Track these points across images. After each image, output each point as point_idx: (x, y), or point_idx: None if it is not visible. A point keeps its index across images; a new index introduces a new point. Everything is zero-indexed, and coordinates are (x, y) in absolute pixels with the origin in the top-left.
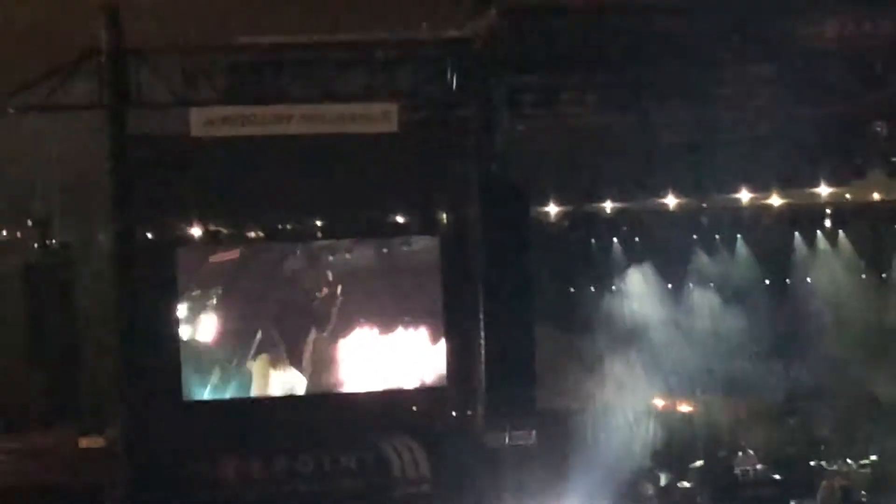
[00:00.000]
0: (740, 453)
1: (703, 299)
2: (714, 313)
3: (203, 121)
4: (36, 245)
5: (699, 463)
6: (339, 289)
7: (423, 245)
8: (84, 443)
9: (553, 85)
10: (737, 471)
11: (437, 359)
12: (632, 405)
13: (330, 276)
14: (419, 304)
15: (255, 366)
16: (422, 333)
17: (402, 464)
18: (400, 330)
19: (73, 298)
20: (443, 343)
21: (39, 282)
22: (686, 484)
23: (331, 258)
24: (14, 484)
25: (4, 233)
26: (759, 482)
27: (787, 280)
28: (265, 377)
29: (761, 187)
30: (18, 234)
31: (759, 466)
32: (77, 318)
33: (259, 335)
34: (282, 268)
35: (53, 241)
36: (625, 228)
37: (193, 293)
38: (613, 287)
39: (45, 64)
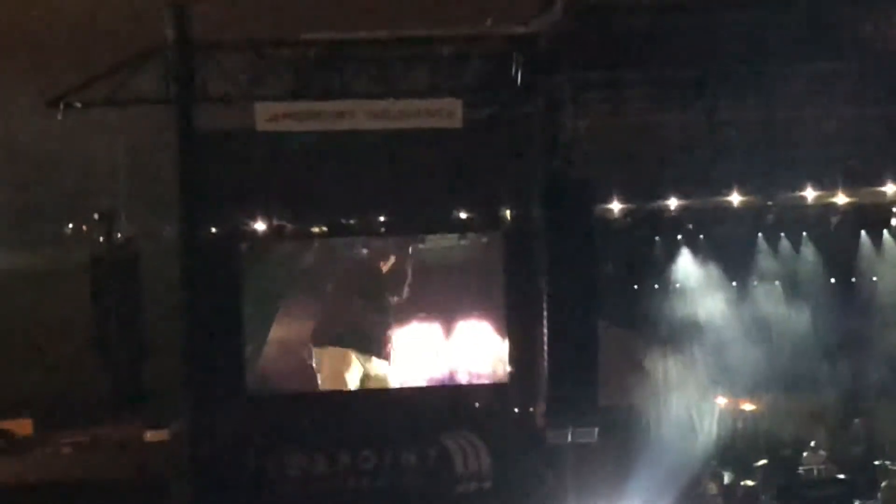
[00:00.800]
0: (805, 452)
1: (767, 297)
2: (778, 311)
3: (268, 116)
4: (101, 238)
5: (763, 461)
6: (406, 284)
7: (488, 241)
8: (149, 436)
9: (617, 81)
10: (800, 470)
11: (501, 355)
12: (695, 403)
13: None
14: (483, 301)
15: (325, 359)
16: (485, 329)
17: (465, 460)
18: (463, 325)
19: (139, 292)
20: (506, 339)
21: (105, 275)
22: (749, 483)
23: (397, 254)
24: (80, 477)
25: (71, 226)
26: (823, 481)
27: (853, 279)
28: (335, 371)
29: (827, 185)
30: (84, 228)
31: (823, 465)
32: (142, 311)
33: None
34: (351, 263)
35: (119, 234)
36: (689, 226)
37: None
38: (677, 284)
39: (112, 58)
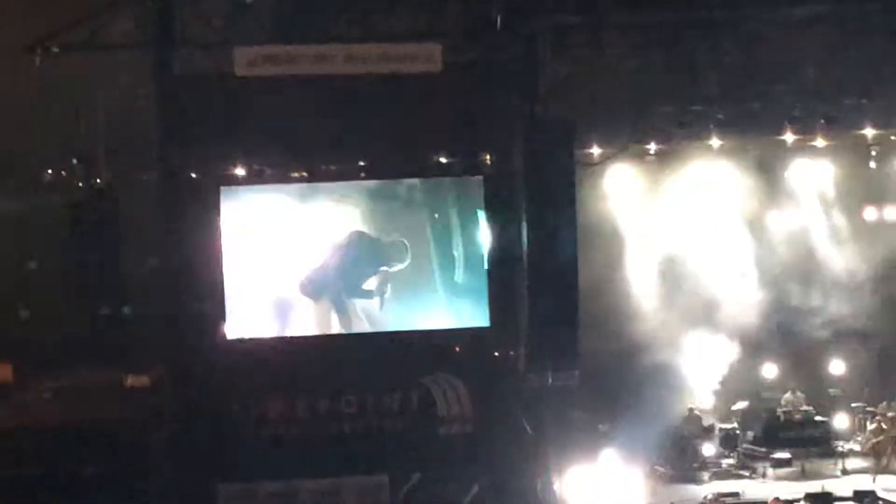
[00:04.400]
0: (785, 394)
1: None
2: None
3: (247, 60)
4: (80, 184)
5: (743, 404)
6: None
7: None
8: (129, 381)
9: (597, 25)
10: (779, 412)
11: (481, 300)
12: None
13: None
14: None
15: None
16: (466, 274)
17: (446, 403)
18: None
19: (118, 238)
20: (486, 283)
21: (84, 221)
22: (728, 425)
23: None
24: (61, 422)
25: (49, 172)
26: (802, 423)
27: None
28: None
29: (807, 129)
30: (63, 174)
31: (802, 407)
32: (122, 257)
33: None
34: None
35: (98, 180)
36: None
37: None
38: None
39: (90, 2)
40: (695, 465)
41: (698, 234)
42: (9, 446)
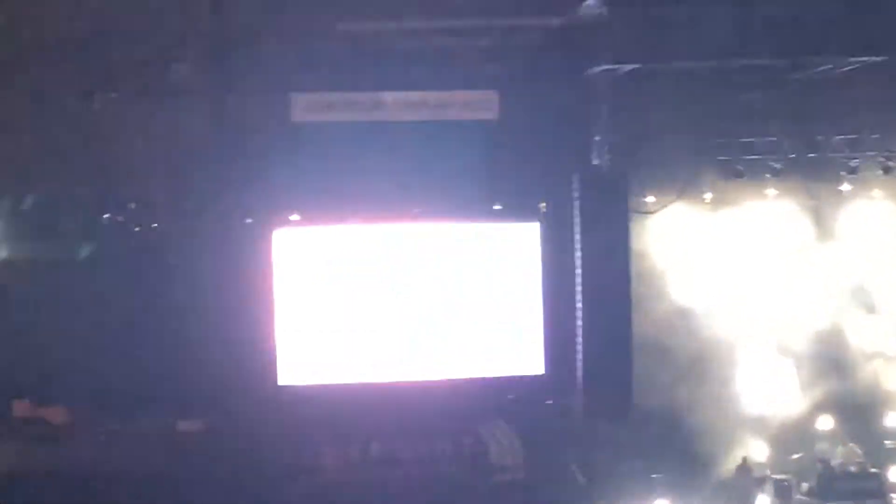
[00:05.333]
0: (840, 446)
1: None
2: None
3: (304, 106)
4: (137, 228)
5: (798, 455)
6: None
7: (523, 233)
8: (182, 426)
9: (653, 73)
10: (833, 463)
11: (536, 347)
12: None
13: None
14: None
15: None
16: (521, 321)
17: (499, 451)
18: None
19: (174, 282)
20: (541, 331)
21: (141, 265)
22: (783, 476)
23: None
24: (113, 467)
25: (107, 216)
26: (858, 475)
27: None
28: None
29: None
30: (120, 219)
31: (858, 460)
32: (177, 302)
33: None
34: (381, 250)
35: (154, 224)
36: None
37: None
38: None
39: (148, 48)
40: None
41: (753, 280)
42: (61, 489)
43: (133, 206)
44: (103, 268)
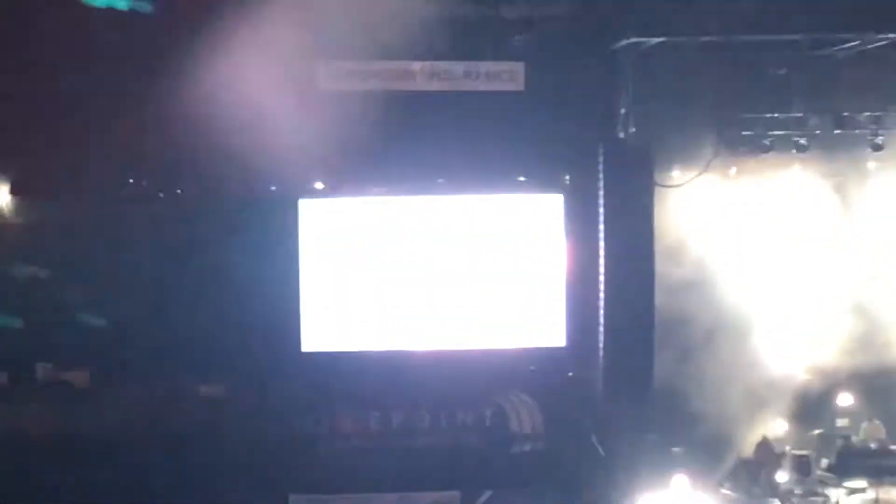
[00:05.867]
0: (864, 423)
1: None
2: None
3: (330, 74)
4: (161, 194)
5: (819, 431)
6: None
7: (547, 204)
8: (204, 391)
9: (680, 47)
10: (854, 439)
11: (558, 319)
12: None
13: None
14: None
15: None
16: (542, 293)
17: (519, 421)
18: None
19: (197, 248)
20: (563, 304)
21: (164, 231)
22: (804, 451)
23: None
24: (135, 429)
25: (130, 181)
26: (880, 452)
27: None
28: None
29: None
30: (144, 184)
31: (881, 437)
32: (201, 267)
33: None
34: (404, 220)
35: (179, 191)
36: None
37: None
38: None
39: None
40: (767, 491)
41: (778, 255)
42: (85, 450)
43: (157, 171)
44: (127, 232)
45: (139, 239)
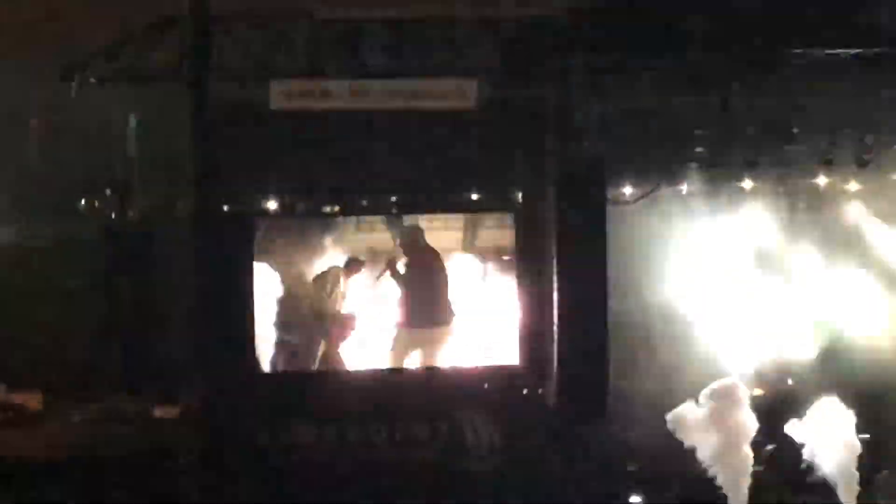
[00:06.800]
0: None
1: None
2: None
3: (282, 93)
4: (113, 214)
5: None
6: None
7: (498, 222)
8: (159, 412)
9: (633, 65)
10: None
11: (511, 336)
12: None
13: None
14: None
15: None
16: (496, 310)
17: (475, 436)
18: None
19: (151, 268)
20: (516, 321)
21: (117, 251)
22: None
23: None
24: (88, 452)
25: (83, 201)
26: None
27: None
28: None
29: (840, 171)
30: (97, 203)
31: None
32: (154, 287)
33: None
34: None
35: (131, 211)
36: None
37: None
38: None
39: (126, 32)
40: None
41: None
42: (36, 474)
43: (109, 191)
44: (79, 252)
45: (91, 258)
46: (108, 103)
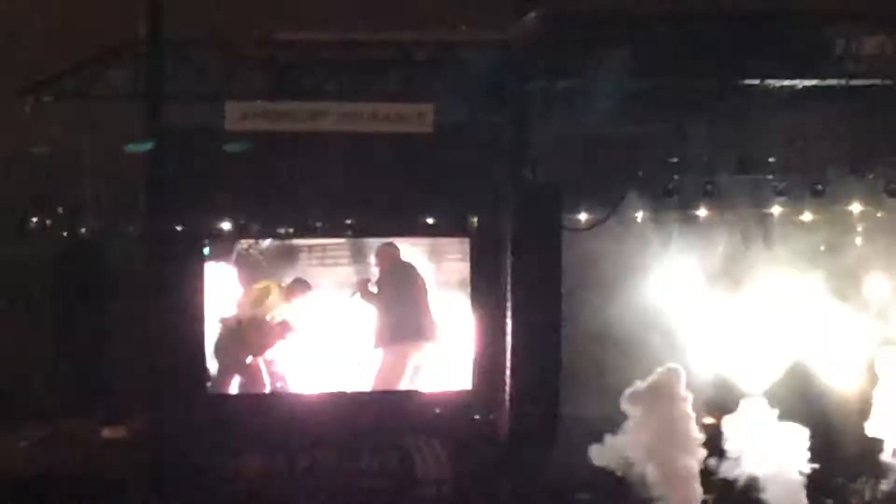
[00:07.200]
0: None
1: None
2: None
3: (238, 115)
4: (65, 234)
5: None
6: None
7: (453, 247)
8: (107, 433)
9: (589, 92)
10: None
11: (463, 362)
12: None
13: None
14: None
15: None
16: (448, 336)
17: (424, 464)
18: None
19: (102, 288)
20: (469, 346)
21: (68, 271)
22: None
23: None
24: (36, 473)
25: (34, 220)
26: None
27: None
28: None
29: (795, 202)
30: (48, 223)
31: None
32: (104, 308)
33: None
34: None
35: (83, 230)
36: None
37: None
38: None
39: (82, 52)
40: None
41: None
42: None
43: (61, 210)
44: (29, 272)
45: (41, 278)
46: (61, 123)
